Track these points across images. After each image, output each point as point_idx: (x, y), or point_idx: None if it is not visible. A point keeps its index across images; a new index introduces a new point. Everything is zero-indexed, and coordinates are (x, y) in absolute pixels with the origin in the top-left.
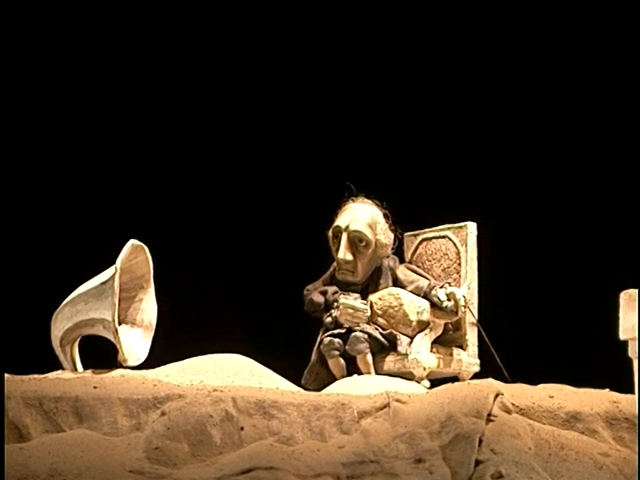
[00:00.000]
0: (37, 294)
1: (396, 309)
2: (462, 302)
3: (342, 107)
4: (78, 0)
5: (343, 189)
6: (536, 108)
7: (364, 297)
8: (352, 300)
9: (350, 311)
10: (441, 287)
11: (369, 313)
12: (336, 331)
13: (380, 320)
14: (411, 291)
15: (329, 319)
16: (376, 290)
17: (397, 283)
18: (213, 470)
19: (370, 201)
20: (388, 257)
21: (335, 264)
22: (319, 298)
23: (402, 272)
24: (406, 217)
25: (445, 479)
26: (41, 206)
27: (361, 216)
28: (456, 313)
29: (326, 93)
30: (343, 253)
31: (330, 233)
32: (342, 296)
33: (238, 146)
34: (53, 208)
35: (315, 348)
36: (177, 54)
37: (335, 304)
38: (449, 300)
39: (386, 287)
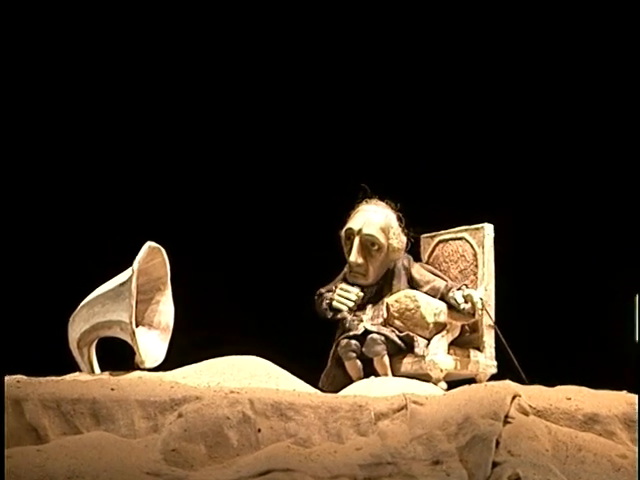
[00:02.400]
0: (54, 296)
1: (413, 311)
2: (479, 305)
3: (356, 108)
4: (78, 0)
5: (357, 190)
6: (553, 113)
7: (378, 299)
8: (351, 287)
9: (341, 292)
10: (458, 289)
11: (356, 301)
12: (352, 333)
13: (397, 322)
14: (427, 291)
15: (326, 302)
16: (390, 291)
17: (412, 282)
18: (230, 472)
19: (384, 203)
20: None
21: (347, 266)
22: (329, 292)
23: (417, 272)
24: (422, 219)
25: None
26: (59, 209)
27: (374, 219)
28: (473, 315)
29: (341, 93)
30: (355, 256)
31: (343, 234)
32: (345, 284)
33: (254, 150)
34: (70, 211)
35: (332, 350)
36: (187, 53)
37: (334, 288)
38: (466, 302)
39: (400, 288)
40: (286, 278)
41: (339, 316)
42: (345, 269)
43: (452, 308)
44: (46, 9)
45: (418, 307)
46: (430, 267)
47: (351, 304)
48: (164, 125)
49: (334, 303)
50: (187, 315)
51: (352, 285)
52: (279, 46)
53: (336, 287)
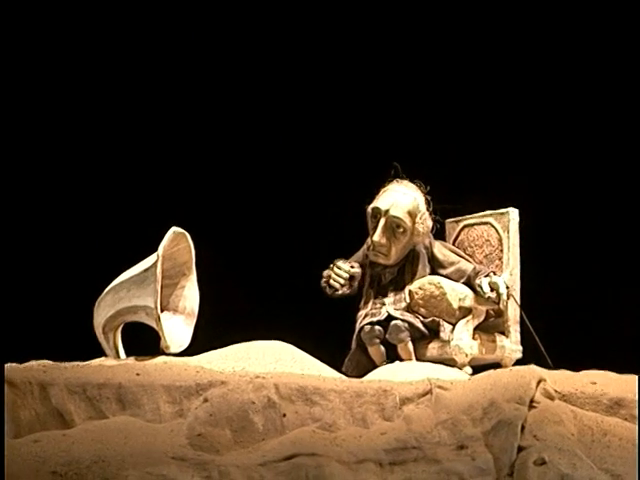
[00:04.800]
0: (80, 281)
1: (439, 298)
2: (504, 296)
3: (380, 93)
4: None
5: (388, 170)
6: (580, 105)
7: (400, 281)
8: (345, 265)
9: (336, 270)
10: (486, 275)
11: (346, 279)
12: (375, 319)
13: (421, 310)
14: (451, 273)
15: (324, 280)
16: (412, 273)
17: (433, 262)
18: (256, 456)
19: (414, 186)
20: None
21: (368, 241)
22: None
23: (440, 252)
24: (447, 202)
25: (487, 465)
26: (84, 196)
27: (403, 201)
28: (497, 303)
29: (365, 77)
30: (379, 236)
31: (369, 211)
32: (341, 261)
33: (272, 141)
34: (98, 197)
35: (355, 335)
36: (198, 45)
37: (332, 266)
38: (492, 291)
39: (422, 269)
40: (310, 263)
41: (338, 292)
42: (364, 246)
43: (477, 293)
44: (46, 9)
45: (444, 294)
46: (451, 246)
47: (342, 281)
48: (190, 115)
49: (330, 282)
50: (212, 300)
51: (382, 273)
52: (300, 36)
53: (333, 265)
